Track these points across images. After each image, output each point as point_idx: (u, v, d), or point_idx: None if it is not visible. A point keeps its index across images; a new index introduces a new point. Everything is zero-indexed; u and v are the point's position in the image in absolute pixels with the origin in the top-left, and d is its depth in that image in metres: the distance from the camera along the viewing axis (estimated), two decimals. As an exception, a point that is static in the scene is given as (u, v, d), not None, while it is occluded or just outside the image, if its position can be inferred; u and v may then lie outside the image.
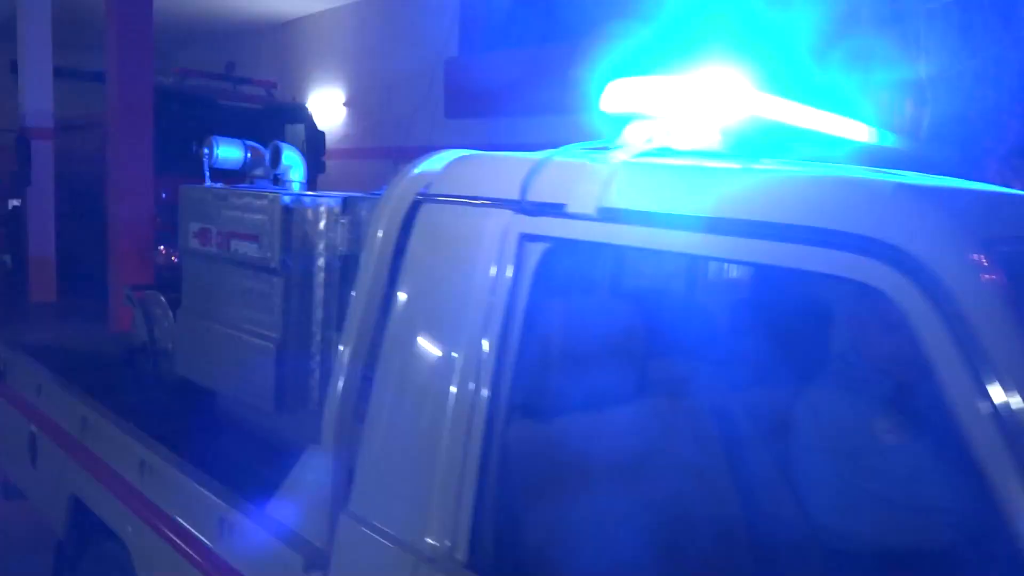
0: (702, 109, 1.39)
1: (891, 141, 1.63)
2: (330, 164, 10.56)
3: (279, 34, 13.80)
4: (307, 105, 11.80)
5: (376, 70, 12.22)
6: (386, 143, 11.61)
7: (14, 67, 10.41)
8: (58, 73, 10.32)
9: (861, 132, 1.58)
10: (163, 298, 3.08)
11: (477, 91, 10.05)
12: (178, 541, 2.13)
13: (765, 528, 1.43)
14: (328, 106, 12.63)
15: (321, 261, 2.24)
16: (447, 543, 1.45)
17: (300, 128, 10.22)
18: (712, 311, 1.70)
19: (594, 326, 1.54)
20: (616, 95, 1.45)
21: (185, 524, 2.12)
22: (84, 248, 9.02)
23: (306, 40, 13.61)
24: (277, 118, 9.99)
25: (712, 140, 1.40)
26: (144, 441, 2.37)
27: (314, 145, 9.98)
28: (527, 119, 9.10)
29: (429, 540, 1.48)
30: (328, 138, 10.70)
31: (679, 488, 1.31)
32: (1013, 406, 0.90)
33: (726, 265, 1.67)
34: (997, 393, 0.91)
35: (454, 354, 1.50)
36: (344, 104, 12.76)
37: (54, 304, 9.18)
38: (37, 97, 10.20)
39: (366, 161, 12.00)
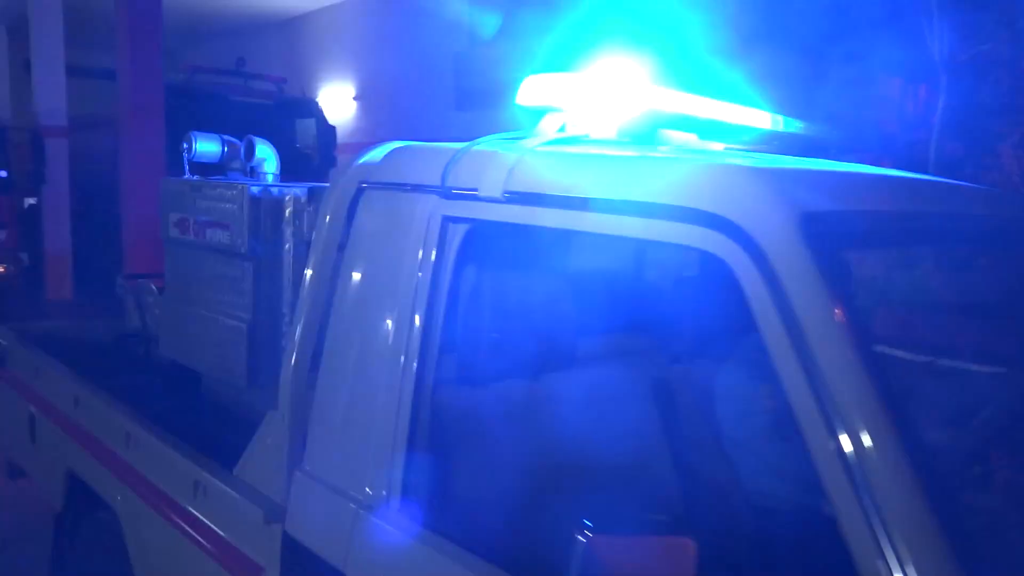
0: (603, 102, 1.54)
1: (791, 127, 1.77)
2: (342, 158, 10.70)
3: (288, 29, 13.83)
4: (317, 100, 11.85)
5: (386, 64, 12.22)
6: (396, 137, 11.84)
7: (27, 66, 10.58)
8: (70, 72, 10.46)
9: (761, 119, 1.72)
10: (153, 286, 3.26)
11: (486, 84, 10.16)
12: (160, 504, 2.31)
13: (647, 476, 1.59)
14: (338, 100, 12.67)
15: (288, 247, 2.40)
16: (383, 492, 1.62)
17: (311, 123, 10.28)
18: (602, 284, 1.85)
19: (509, 300, 1.70)
20: (530, 90, 1.61)
21: (165, 489, 2.30)
22: (100, 245, 9.19)
23: (315, 35, 13.63)
24: (288, 113, 10.03)
25: (611, 130, 1.55)
26: (129, 416, 2.55)
27: (325, 139, 10.06)
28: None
29: (368, 490, 1.65)
30: (339, 132, 10.76)
31: (578, 444, 1.47)
32: (820, 359, 1.05)
33: (616, 242, 1.82)
34: (806, 346, 1.06)
35: (389, 327, 1.67)
36: (354, 98, 12.78)
37: (70, 302, 9.41)
38: (50, 95, 10.38)
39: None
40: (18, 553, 3.82)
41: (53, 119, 10.16)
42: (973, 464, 1.48)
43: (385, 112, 11.85)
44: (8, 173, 9.77)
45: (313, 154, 9.92)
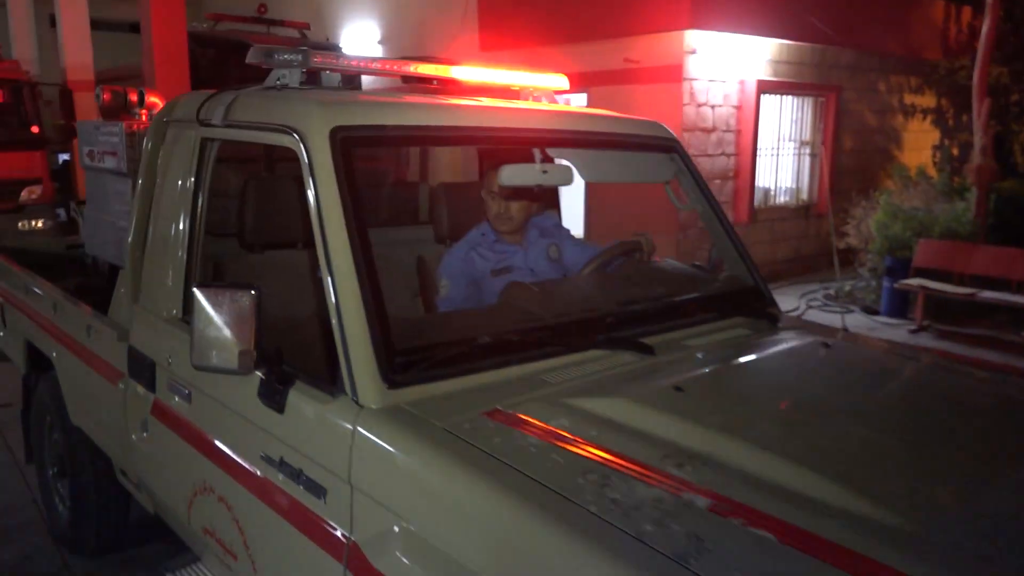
0: (294, 64, 2.48)
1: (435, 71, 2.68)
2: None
3: (311, -26, 13.87)
4: (341, 45, 12.15)
5: (409, 6, 12.60)
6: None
7: (53, 21, 10.86)
8: (95, 25, 10.88)
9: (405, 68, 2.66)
10: (88, 205, 4.28)
11: (510, 24, 10.70)
12: (73, 347, 3.35)
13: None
14: (362, 45, 12.99)
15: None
16: (174, 311, 2.62)
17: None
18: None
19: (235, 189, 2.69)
20: (254, 56, 2.55)
21: (73, 336, 3.34)
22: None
23: (338, -21, 13.73)
24: None
25: (295, 81, 2.49)
26: (56, 293, 3.58)
27: (349, 84, 10.68)
28: (559, 48, 10.02)
29: (164, 312, 2.65)
30: (363, 77, 11.34)
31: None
32: (324, 209, 2.00)
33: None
34: (320, 204, 2.01)
35: (176, 209, 2.65)
36: (378, 42, 13.11)
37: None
38: (77, 50, 10.90)
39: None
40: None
41: (80, 74, 10.64)
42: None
43: (409, 55, 12.13)
44: (40, 128, 10.31)
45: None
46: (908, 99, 12.74)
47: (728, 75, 9.86)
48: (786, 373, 2.27)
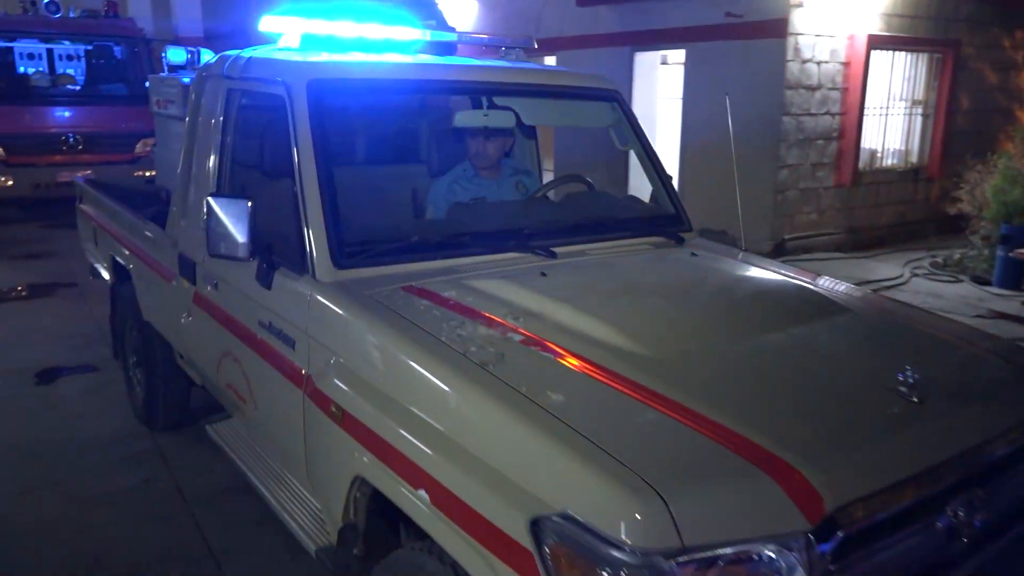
0: (295, 31, 3.21)
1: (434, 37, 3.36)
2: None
3: (408, -73, 14.62)
4: (437, 1, 12.79)
5: None
6: (518, 35, 12.28)
7: None
8: None
9: (406, 33, 3.35)
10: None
11: None
12: (141, 257, 4.23)
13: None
14: (460, 1, 13.44)
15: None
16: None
17: (431, 24, 11.51)
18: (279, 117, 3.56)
19: (254, 131, 3.45)
20: (266, 24, 3.28)
21: (143, 248, 4.22)
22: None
23: (434, -67, 14.41)
24: (409, 16, 11.26)
25: (296, 43, 3.22)
26: (133, 216, 4.47)
27: (447, 51, 11.27)
28: (658, 2, 10.07)
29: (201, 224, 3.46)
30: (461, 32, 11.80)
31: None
32: (299, 146, 2.73)
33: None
34: (297, 143, 2.74)
35: (210, 145, 3.44)
36: None
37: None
38: (187, 8, 11.91)
39: (497, 54, 12.77)
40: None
41: (190, 31, 11.65)
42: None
43: (505, 11, 12.68)
44: None
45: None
46: (1034, 55, 11.89)
47: (836, 29, 9.38)
48: (639, 269, 2.92)
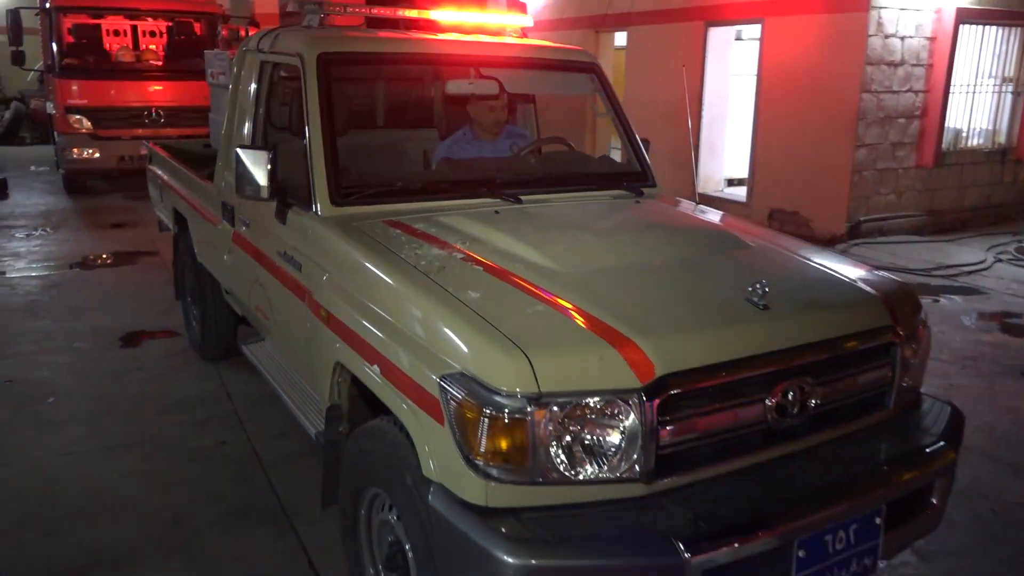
0: (316, 14, 3.83)
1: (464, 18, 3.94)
2: (534, 36, 12.16)
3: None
4: None
5: None
6: (587, 13, 12.84)
7: None
8: None
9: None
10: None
11: None
12: (197, 207, 4.95)
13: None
14: None
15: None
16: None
17: (501, 3, 11.96)
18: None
19: (284, 97, 4.08)
20: (294, 6, 3.91)
21: (198, 202, 4.93)
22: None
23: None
24: None
25: (317, 23, 3.83)
26: (191, 174, 5.20)
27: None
28: None
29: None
30: (531, 11, 11.72)
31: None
32: (308, 104, 3.35)
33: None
34: (308, 102, 3.36)
35: (247, 106, 4.10)
36: None
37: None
38: None
39: (567, 32, 13.20)
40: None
41: (267, 7, 12.35)
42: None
43: None
44: None
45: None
46: None
47: (923, 3, 9.15)
48: (582, 212, 3.46)
